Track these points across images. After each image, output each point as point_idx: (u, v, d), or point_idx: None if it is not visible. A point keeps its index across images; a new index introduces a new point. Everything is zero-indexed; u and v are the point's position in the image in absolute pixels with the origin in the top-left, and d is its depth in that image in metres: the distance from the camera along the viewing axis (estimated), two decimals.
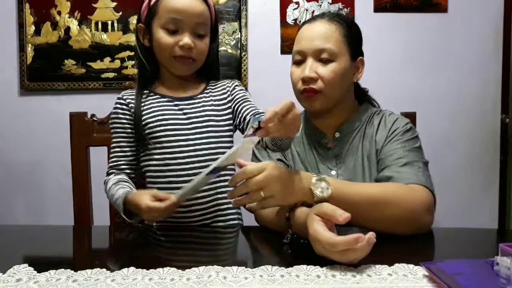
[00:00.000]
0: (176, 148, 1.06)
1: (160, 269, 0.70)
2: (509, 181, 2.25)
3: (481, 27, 2.22)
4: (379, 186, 0.92)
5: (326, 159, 1.09)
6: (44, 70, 2.19)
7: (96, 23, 2.19)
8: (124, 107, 1.10)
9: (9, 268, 0.70)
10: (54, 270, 0.69)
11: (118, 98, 1.12)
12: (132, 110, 1.09)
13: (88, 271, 0.69)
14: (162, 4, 1.05)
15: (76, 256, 0.88)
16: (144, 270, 0.69)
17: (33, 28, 2.18)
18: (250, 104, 1.12)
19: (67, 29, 2.18)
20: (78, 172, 1.27)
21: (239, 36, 2.19)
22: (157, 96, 1.11)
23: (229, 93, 1.14)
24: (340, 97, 1.08)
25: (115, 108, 1.12)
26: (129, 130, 1.10)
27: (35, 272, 0.69)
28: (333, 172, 1.07)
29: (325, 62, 1.04)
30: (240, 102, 1.12)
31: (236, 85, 1.17)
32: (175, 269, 0.70)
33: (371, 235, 0.68)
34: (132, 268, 0.70)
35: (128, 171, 1.10)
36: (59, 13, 2.18)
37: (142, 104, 1.09)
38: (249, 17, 2.19)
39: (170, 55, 1.06)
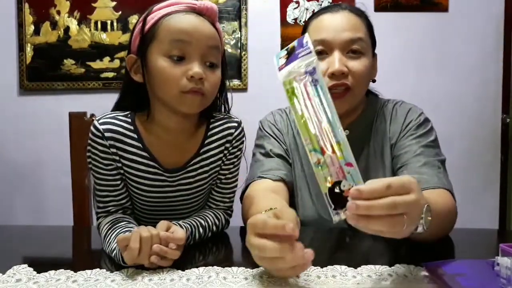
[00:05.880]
0: (153, 206, 0.94)
1: (160, 270, 0.70)
2: (510, 181, 2.24)
3: (481, 27, 2.22)
4: (438, 198, 0.81)
5: None
6: (43, 70, 2.19)
7: (96, 23, 2.19)
8: (102, 142, 0.87)
9: (8, 268, 0.70)
10: (54, 271, 0.69)
11: (95, 129, 0.86)
12: (113, 151, 0.87)
13: (88, 271, 0.69)
14: (163, 25, 0.83)
15: (75, 257, 0.88)
16: (144, 270, 0.69)
17: (32, 27, 2.17)
18: (225, 188, 0.96)
19: (67, 29, 2.18)
20: (77, 172, 1.27)
21: (239, 36, 2.19)
22: (143, 154, 0.89)
23: (223, 154, 0.93)
24: (363, 97, 1.02)
25: (91, 140, 0.87)
26: (111, 167, 0.89)
27: (35, 272, 0.69)
28: None
29: (354, 55, 0.95)
30: (219, 181, 0.96)
31: (237, 151, 0.94)
32: (175, 269, 0.70)
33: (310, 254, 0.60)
34: (132, 269, 0.70)
35: (121, 211, 0.90)
36: (58, 12, 2.18)
37: (125, 152, 0.88)
38: (249, 16, 2.19)
39: (179, 90, 0.82)
